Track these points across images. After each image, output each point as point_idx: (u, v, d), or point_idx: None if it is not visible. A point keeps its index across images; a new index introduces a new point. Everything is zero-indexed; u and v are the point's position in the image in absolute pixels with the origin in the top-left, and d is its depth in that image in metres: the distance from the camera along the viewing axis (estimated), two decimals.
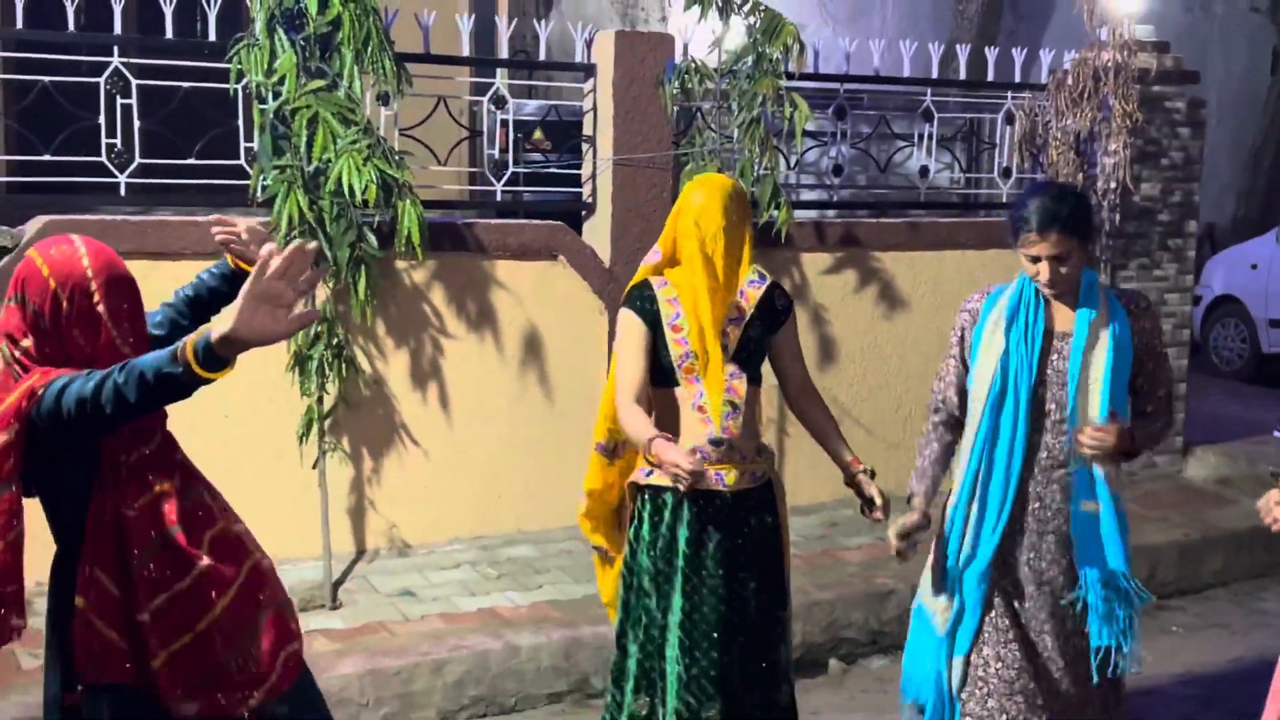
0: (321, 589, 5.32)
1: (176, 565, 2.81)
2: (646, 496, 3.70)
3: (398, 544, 5.88)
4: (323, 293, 5.34)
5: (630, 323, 3.67)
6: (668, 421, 3.64)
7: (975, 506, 3.67)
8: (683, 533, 3.62)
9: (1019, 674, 3.67)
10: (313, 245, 2.46)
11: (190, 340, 2.46)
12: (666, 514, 3.65)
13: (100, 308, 2.76)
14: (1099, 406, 3.56)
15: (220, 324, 2.42)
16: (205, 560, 2.84)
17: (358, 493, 5.79)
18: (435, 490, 5.92)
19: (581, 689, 5.09)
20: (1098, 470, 3.60)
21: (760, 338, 3.71)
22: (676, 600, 3.62)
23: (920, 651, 3.84)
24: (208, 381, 2.48)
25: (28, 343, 2.74)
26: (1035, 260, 3.53)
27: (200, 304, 3.23)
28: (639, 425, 3.47)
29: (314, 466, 5.36)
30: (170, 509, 2.83)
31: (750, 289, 3.71)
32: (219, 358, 2.44)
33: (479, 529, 6.05)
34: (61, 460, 2.73)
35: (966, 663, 3.72)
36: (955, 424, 3.82)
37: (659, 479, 3.59)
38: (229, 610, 2.88)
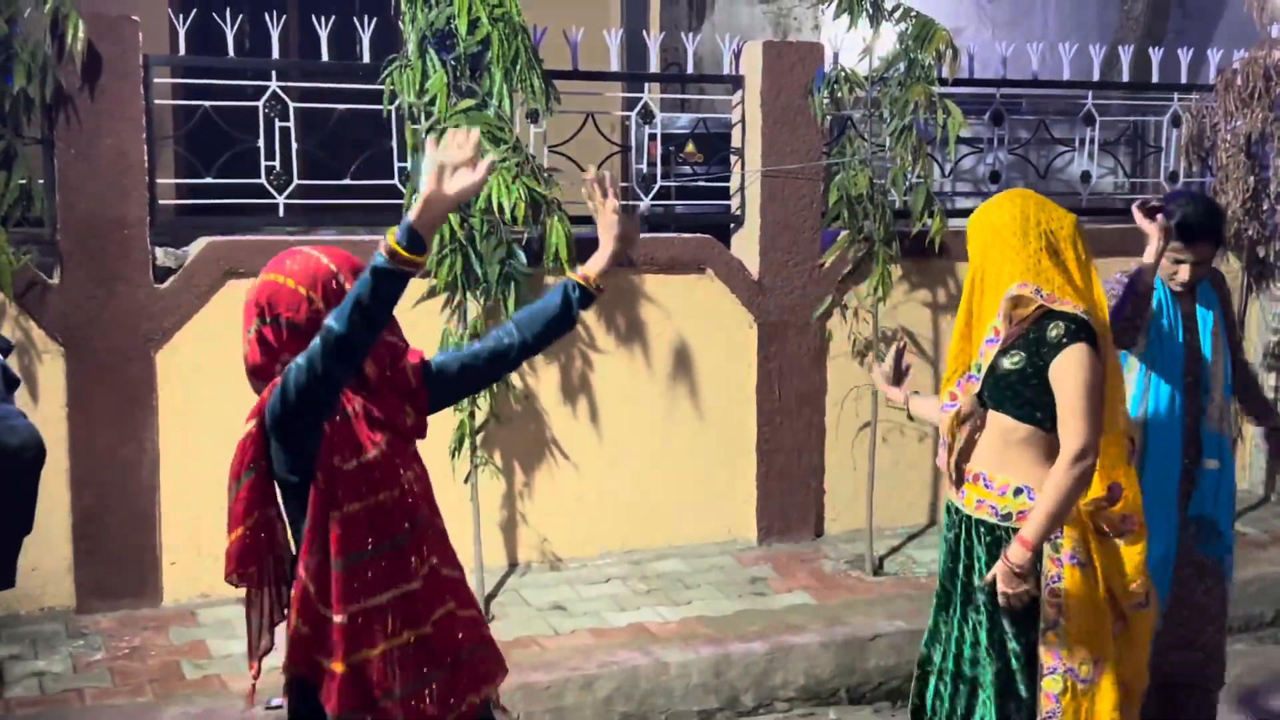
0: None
1: (382, 579, 2.82)
2: None
3: (549, 558, 5.91)
4: (474, 310, 5.40)
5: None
6: None
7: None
8: None
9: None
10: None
11: (387, 233, 2.56)
12: None
13: None
14: (1223, 379, 4.15)
15: (417, 211, 2.55)
16: (414, 583, 2.85)
17: (509, 507, 5.83)
18: (586, 504, 5.93)
19: (732, 706, 5.04)
20: (1225, 437, 4.20)
21: None
22: None
23: None
24: (413, 269, 2.55)
25: (279, 367, 2.77)
26: (1178, 262, 4.06)
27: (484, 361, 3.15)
28: None
29: (466, 481, 5.42)
30: (385, 522, 2.83)
31: None
32: (419, 239, 2.54)
33: (629, 543, 6.05)
34: (294, 456, 2.76)
35: None
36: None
37: None
38: (418, 643, 2.87)
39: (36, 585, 5.14)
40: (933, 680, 3.63)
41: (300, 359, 2.64)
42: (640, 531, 6.06)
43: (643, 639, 5.16)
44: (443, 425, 5.40)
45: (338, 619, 2.77)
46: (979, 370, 3.45)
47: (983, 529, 3.44)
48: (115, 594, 5.26)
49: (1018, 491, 3.38)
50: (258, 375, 2.83)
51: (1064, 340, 3.29)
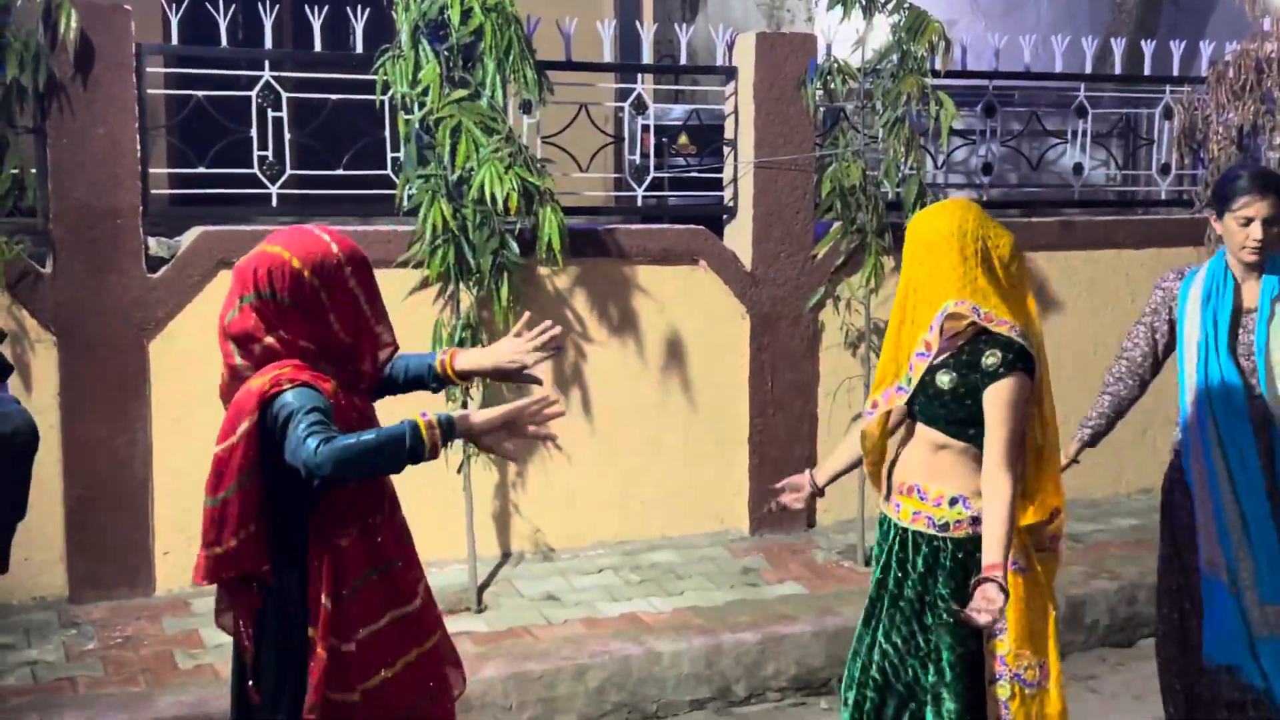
0: (467, 592, 5.38)
1: (387, 600, 2.87)
2: None
3: (541, 548, 5.92)
4: (466, 299, 5.41)
5: None
6: None
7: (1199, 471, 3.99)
8: None
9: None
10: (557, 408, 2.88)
11: (429, 424, 2.67)
12: None
13: (354, 287, 2.82)
14: None
15: (464, 417, 2.77)
16: (417, 601, 2.91)
17: (502, 497, 5.84)
18: (578, 495, 5.94)
19: (724, 696, 5.06)
20: None
21: None
22: None
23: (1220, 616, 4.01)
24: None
25: (270, 339, 2.76)
26: (1247, 223, 3.86)
27: (393, 382, 3.19)
28: None
29: (459, 471, 5.42)
30: (385, 540, 2.88)
31: None
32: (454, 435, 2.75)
33: (621, 534, 6.06)
34: (283, 469, 2.74)
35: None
36: (1135, 379, 4.21)
37: None
38: (423, 658, 2.92)
39: (29, 574, 5.14)
40: (852, 694, 3.60)
41: (303, 457, 2.62)
42: (632, 522, 6.07)
43: (635, 629, 5.17)
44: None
45: (349, 647, 2.81)
46: (908, 383, 3.41)
47: (920, 540, 3.44)
48: (108, 583, 5.26)
49: (953, 501, 3.39)
50: (239, 343, 2.80)
51: (1000, 371, 3.29)
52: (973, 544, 3.36)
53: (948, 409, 3.38)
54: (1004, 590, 3.17)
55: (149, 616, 5.12)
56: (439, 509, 5.51)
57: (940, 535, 3.41)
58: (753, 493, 6.22)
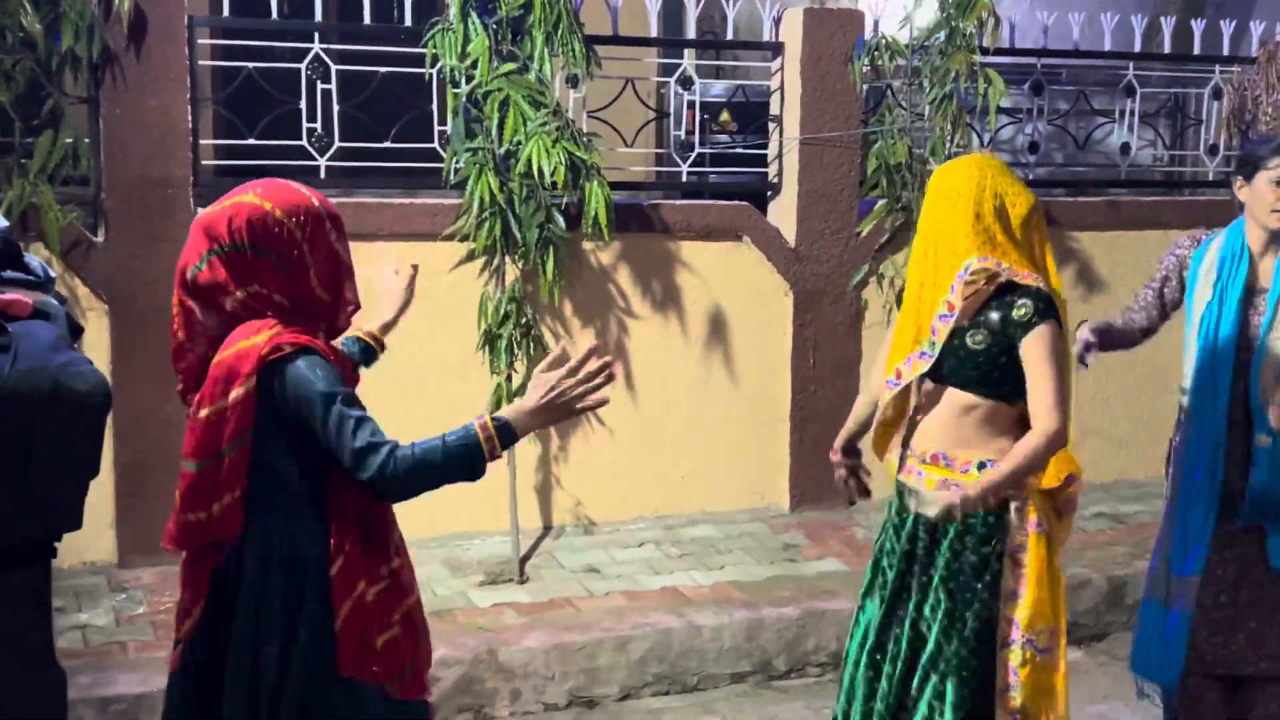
0: (510, 563, 5.42)
1: (384, 556, 2.81)
2: None
3: (583, 521, 5.95)
4: (512, 273, 5.43)
5: None
6: None
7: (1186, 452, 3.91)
8: None
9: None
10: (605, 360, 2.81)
11: (485, 428, 2.70)
12: None
13: (335, 241, 2.71)
14: None
15: (519, 414, 2.76)
16: (398, 560, 2.84)
17: (544, 470, 5.87)
18: (620, 469, 5.97)
19: (764, 670, 5.08)
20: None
21: None
22: None
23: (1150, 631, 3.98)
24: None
25: (241, 294, 2.63)
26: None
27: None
28: None
29: None
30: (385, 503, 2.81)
31: None
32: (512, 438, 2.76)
33: (662, 508, 6.08)
34: (296, 435, 2.65)
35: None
36: (1138, 323, 4.14)
37: None
38: (418, 605, 2.89)
39: (79, 539, 5.15)
40: (861, 667, 3.57)
41: (370, 475, 2.58)
42: (673, 497, 6.10)
43: (676, 602, 5.20)
44: (480, 388, 5.46)
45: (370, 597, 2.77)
46: (932, 347, 3.36)
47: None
48: (157, 549, 5.25)
49: (981, 466, 3.35)
50: (204, 298, 2.65)
51: (1033, 320, 3.26)
52: (1002, 507, 3.36)
53: (981, 369, 3.34)
54: (963, 500, 3.19)
55: None
56: (483, 481, 5.50)
57: None
58: (793, 469, 6.23)
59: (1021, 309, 3.28)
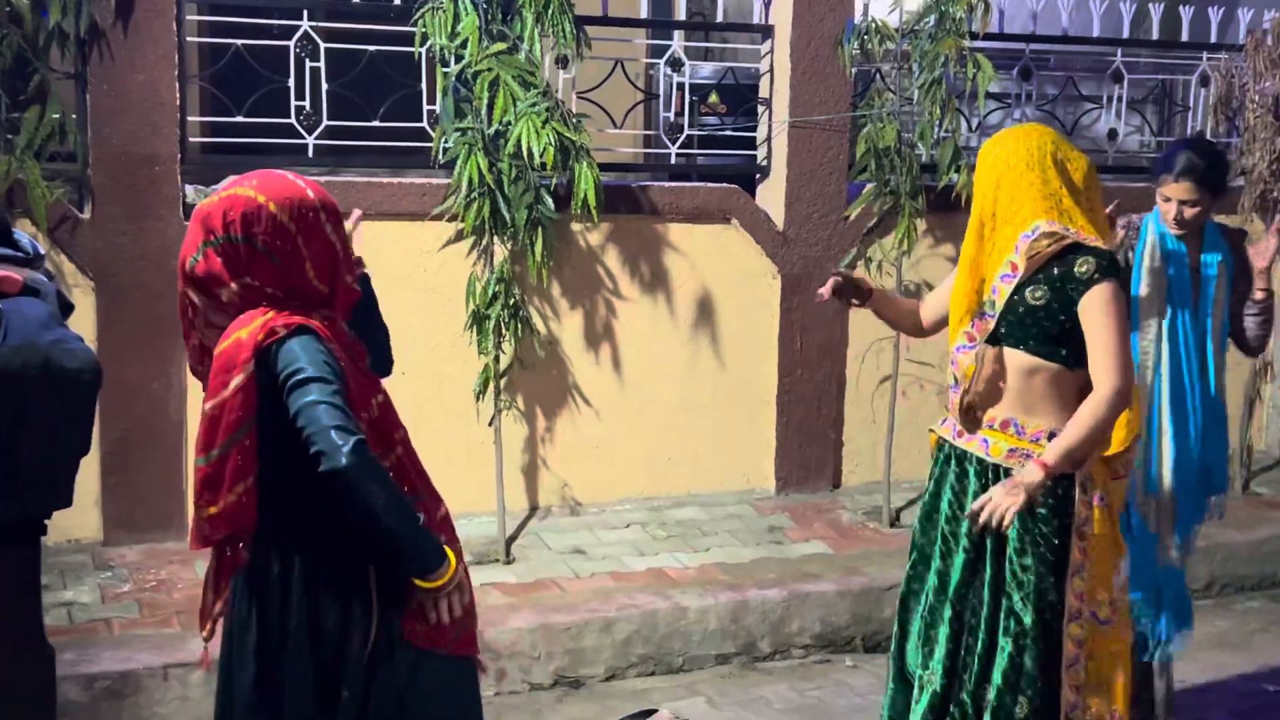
0: (496, 544, 5.43)
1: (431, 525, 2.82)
2: None
3: (569, 502, 5.96)
4: (500, 253, 5.42)
5: None
6: None
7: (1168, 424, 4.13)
8: None
9: None
10: None
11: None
12: None
13: (330, 233, 2.71)
14: (1221, 332, 4.19)
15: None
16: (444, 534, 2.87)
17: (531, 451, 5.88)
18: (606, 451, 5.98)
19: (749, 652, 5.11)
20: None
21: None
22: None
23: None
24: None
25: (236, 285, 2.64)
26: (1167, 200, 4.08)
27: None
28: None
29: (490, 424, 5.46)
30: (409, 466, 2.81)
31: None
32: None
33: (649, 490, 6.09)
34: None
35: None
36: None
37: None
38: (463, 566, 2.90)
39: (65, 517, 5.14)
40: (942, 633, 3.49)
41: (327, 448, 2.54)
42: (660, 479, 6.11)
43: (662, 583, 5.22)
44: (467, 369, 5.46)
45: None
46: (993, 307, 3.36)
47: None
48: (142, 527, 5.32)
49: (1051, 436, 3.32)
50: (201, 288, 2.67)
51: (1095, 276, 3.25)
52: (1070, 478, 3.32)
53: (1039, 325, 3.31)
54: (1022, 494, 3.12)
55: (181, 560, 5.18)
56: (469, 462, 5.56)
57: None
58: (779, 452, 6.25)
59: (1084, 265, 3.26)
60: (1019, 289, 3.34)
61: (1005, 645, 3.37)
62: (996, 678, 3.38)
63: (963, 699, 3.44)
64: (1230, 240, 4.27)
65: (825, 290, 3.72)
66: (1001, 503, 3.13)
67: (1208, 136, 7.04)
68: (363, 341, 2.89)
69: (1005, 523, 3.12)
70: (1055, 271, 3.31)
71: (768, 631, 5.14)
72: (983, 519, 3.15)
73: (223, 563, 2.78)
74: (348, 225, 2.86)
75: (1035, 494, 3.17)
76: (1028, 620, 3.35)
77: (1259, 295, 4.24)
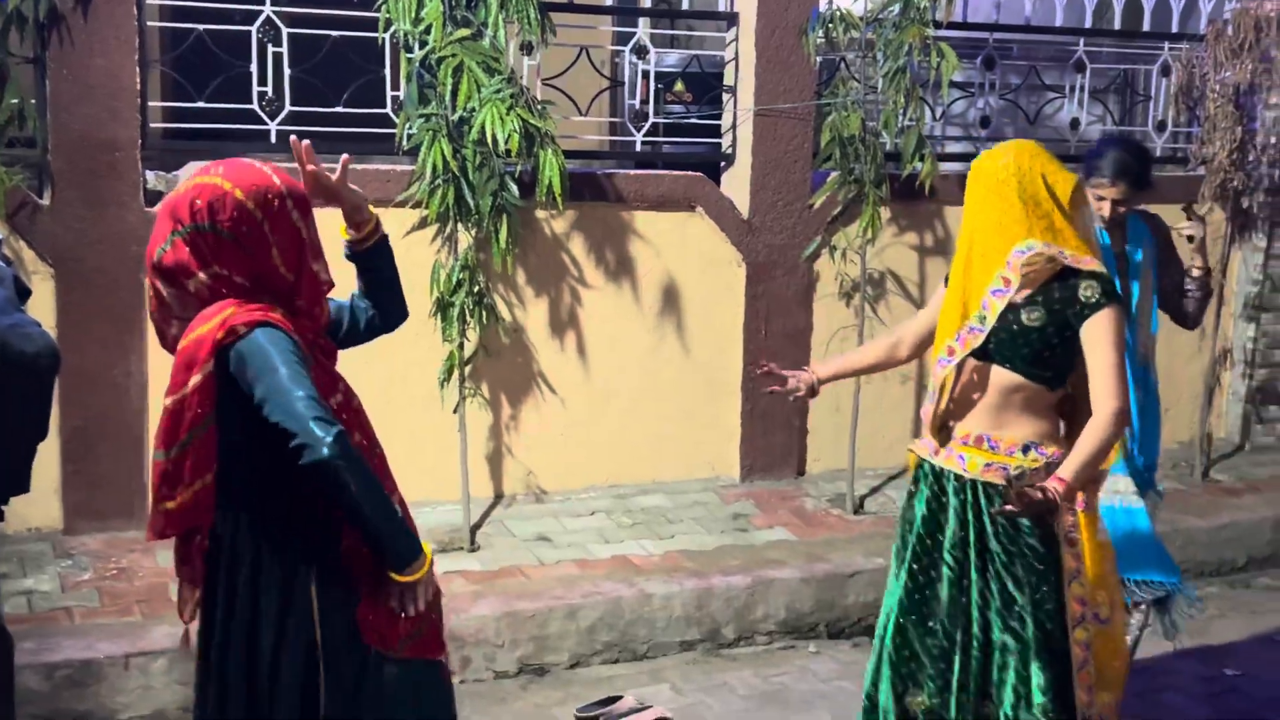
0: (460, 532, 5.42)
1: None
2: None
3: (534, 490, 5.96)
4: (464, 240, 5.41)
5: None
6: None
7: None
8: None
9: None
10: None
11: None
12: None
13: (296, 220, 2.69)
14: (1150, 315, 4.38)
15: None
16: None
17: (496, 439, 5.87)
18: (571, 438, 5.97)
19: (713, 638, 5.12)
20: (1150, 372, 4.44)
21: None
22: None
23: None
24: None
25: (204, 275, 2.64)
26: (1100, 200, 4.23)
27: (354, 329, 3.15)
28: None
29: (454, 411, 5.45)
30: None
31: None
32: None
33: (613, 478, 6.10)
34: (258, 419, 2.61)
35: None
36: None
37: None
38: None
39: (24, 504, 5.12)
40: (926, 650, 3.49)
41: (308, 439, 2.52)
42: (625, 466, 6.11)
43: (626, 571, 5.23)
44: (432, 356, 5.44)
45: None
46: (982, 321, 3.35)
47: (993, 492, 3.36)
48: (103, 515, 5.28)
49: (1026, 448, 3.36)
50: (169, 278, 2.67)
51: (1100, 301, 3.28)
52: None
53: (1032, 347, 3.33)
54: (1046, 504, 3.15)
55: (143, 549, 5.14)
56: (434, 448, 5.54)
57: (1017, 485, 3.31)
58: (744, 439, 6.26)
59: (1089, 290, 3.29)
60: (1014, 309, 3.34)
61: (1009, 661, 3.38)
62: (1008, 694, 3.38)
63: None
64: (1151, 226, 4.47)
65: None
66: (1016, 510, 3.17)
67: (1169, 126, 7.11)
68: (389, 291, 3.01)
69: (1015, 513, 3.18)
70: (1055, 295, 3.33)
71: (732, 618, 5.16)
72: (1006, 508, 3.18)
73: (191, 549, 2.80)
74: (336, 169, 2.87)
75: (1055, 505, 3.20)
76: (1028, 633, 3.36)
77: (1196, 272, 4.48)
